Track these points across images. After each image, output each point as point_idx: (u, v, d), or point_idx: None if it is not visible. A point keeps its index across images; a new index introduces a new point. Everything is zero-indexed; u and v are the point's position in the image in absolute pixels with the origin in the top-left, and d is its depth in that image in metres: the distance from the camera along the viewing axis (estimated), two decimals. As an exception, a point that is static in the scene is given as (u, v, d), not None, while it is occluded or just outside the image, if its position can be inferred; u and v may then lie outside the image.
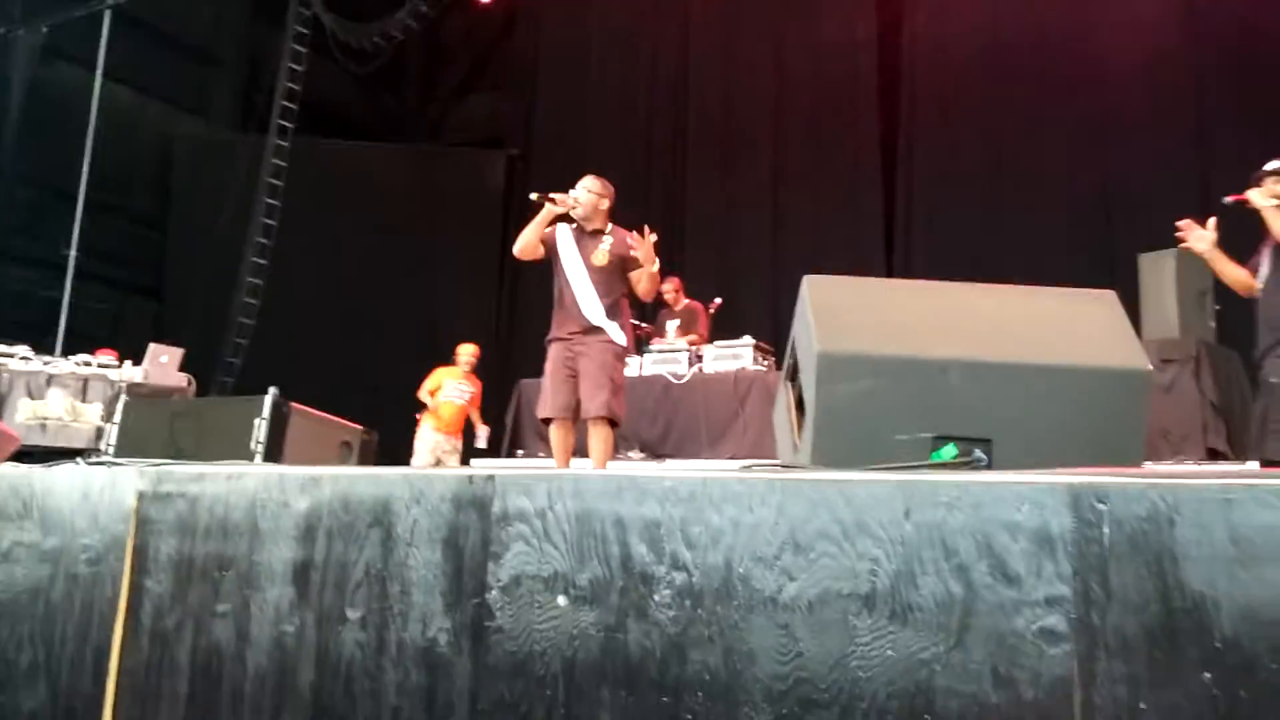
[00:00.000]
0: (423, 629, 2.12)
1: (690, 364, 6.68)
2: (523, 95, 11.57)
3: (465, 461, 7.20)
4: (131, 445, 2.89)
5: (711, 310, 7.35)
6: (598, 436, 4.44)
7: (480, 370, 10.58)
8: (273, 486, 2.35)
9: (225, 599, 2.34)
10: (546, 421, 4.57)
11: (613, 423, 4.50)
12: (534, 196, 4.66)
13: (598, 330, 4.47)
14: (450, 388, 7.34)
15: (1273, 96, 7.58)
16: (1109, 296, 2.36)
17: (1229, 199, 4.07)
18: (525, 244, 4.63)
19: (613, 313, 4.54)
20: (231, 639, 2.32)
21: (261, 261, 9.86)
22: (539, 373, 7.96)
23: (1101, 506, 1.61)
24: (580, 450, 4.73)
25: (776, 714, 1.79)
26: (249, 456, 2.89)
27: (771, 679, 1.80)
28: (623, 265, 4.58)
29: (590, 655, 1.94)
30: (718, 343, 6.89)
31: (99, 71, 9.31)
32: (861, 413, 2.10)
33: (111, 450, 2.90)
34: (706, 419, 6.48)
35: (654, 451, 6.57)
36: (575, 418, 4.51)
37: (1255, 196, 3.96)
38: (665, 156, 10.59)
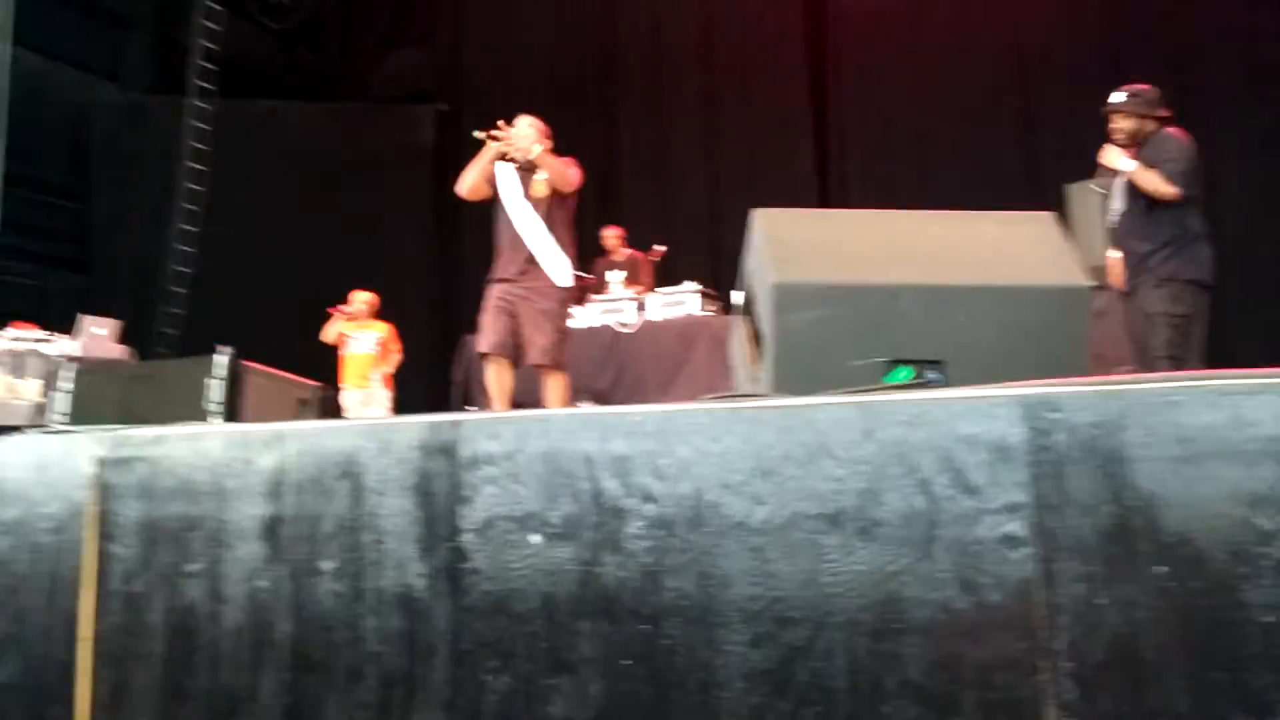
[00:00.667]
0: (398, 575, 2.15)
1: (637, 312, 6.72)
2: (449, 48, 11.36)
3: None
4: (85, 413, 2.83)
5: (653, 258, 7.37)
6: (552, 385, 4.48)
7: (420, 328, 10.52)
8: (236, 445, 2.34)
9: (195, 559, 2.34)
10: (484, 357, 4.59)
11: (558, 367, 4.55)
12: (477, 134, 4.67)
13: (538, 270, 4.50)
14: (350, 337, 7.26)
15: (1184, 26, 7.77)
16: (1046, 218, 2.44)
17: (1093, 184, 4.25)
18: (472, 184, 4.65)
19: (556, 245, 4.57)
20: (205, 598, 2.32)
21: (191, 228, 9.62)
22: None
23: (1054, 415, 1.68)
24: (529, 399, 4.77)
25: (752, 634, 1.85)
26: (205, 417, 2.86)
27: (746, 600, 1.86)
28: (559, 190, 4.63)
29: (568, 589, 1.98)
30: (662, 290, 6.93)
31: (8, 39, 8.93)
32: (817, 340, 2.15)
33: (67, 419, 2.85)
34: (656, 366, 6.53)
35: (604, 401, 6.61)
36: (514, 360, 4.54)
37: (1115, 160, 4.19)
38: (596, 104, 10.52)
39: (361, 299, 7.43)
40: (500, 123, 4.65)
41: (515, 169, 4.69)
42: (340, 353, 7.15)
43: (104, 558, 2.44)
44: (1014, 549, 1.68)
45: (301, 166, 10.51)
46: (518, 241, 4.56)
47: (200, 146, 9.69)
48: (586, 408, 6.39)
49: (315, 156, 10.67)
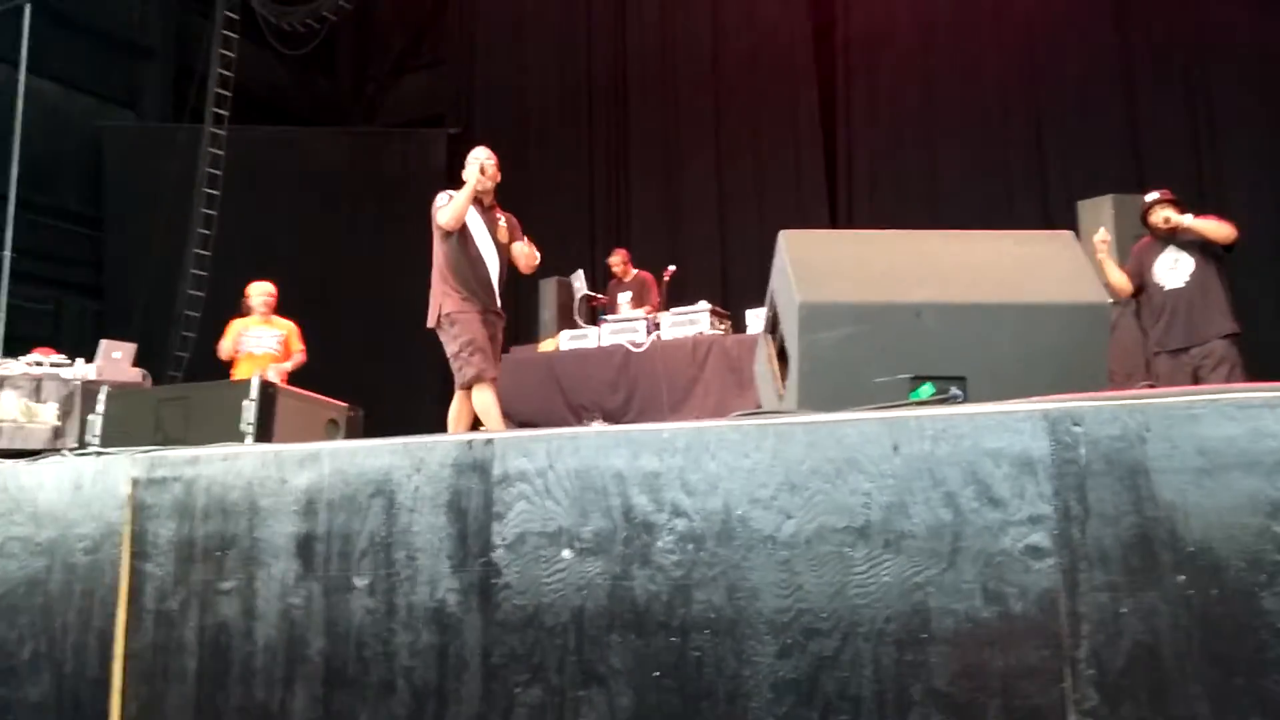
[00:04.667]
0: (431, 591, 2.19)
1: (648, 332, 6.76)
2: (460, 72, 11.49)
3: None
4: (117, 434, 2.88)
5: (666, 278, 7.43)
6: (483, 399, 4.69)
7: (432, 350, 10.57)
8: (270, 464, 2.39)
9: (229, 577, 2.39)
10: (492, 381, 4.74)
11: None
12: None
13: (499, 306, 4.76)
14: (247, 339, 6.57)
15: (1189, 39, 7.84)
16: (1067, 236, 2.49)
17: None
18: (456, 215, 4.72)
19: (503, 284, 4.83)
20: (238, 615, 2.36)
21: (204, 253, 9.73)
22: (494, 352, 8.00)
23: (1077, 429, 1.72)
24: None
25: (780, 645, 1.89)
26: (239, 438, 2.91)
27: (774, 612, 1.90)
28: (512, 239, 4.86)
29: (598, 603, 2.02)
30: (674, 309, 6.98)
31: (22, 67, 9.06)
32: (842, 358, 2.20)
33: (97, 441, 2.90)
34: (667, 385, 6.57)
35: (616, 420, 6.65)
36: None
37: (1180, 219, 4.96)
38: (607, 127, 10.62)
39: (262, 291, 6.75)
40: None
41: (479, 211, 4.84)
42: (236, 353, 6.48)
43: (138, 576, 2.49)
44: (1038, 560, 1.72)
45: (315, 190, 10.63)
46: (490, 277, 4.78)
47: (214, 172, 9.81)
48: (599, 426, 6.44)
49: (329, 180, 10.80)
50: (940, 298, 2.24)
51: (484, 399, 4.66)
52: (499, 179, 4.89)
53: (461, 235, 4.80)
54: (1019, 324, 2.24)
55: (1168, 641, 1.62)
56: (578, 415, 6.85)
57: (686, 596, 1.97)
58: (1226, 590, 1.59)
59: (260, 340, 6.58)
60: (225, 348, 6.57)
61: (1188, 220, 4.97)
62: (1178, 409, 1.66)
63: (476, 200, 4.80)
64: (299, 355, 6.72)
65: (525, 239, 4.95)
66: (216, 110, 9.88)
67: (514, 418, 6.97)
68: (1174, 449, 1.65)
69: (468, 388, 4.67)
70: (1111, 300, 2.33)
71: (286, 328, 6.76)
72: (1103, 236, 5.08)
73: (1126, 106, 8.09)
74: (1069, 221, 6.40)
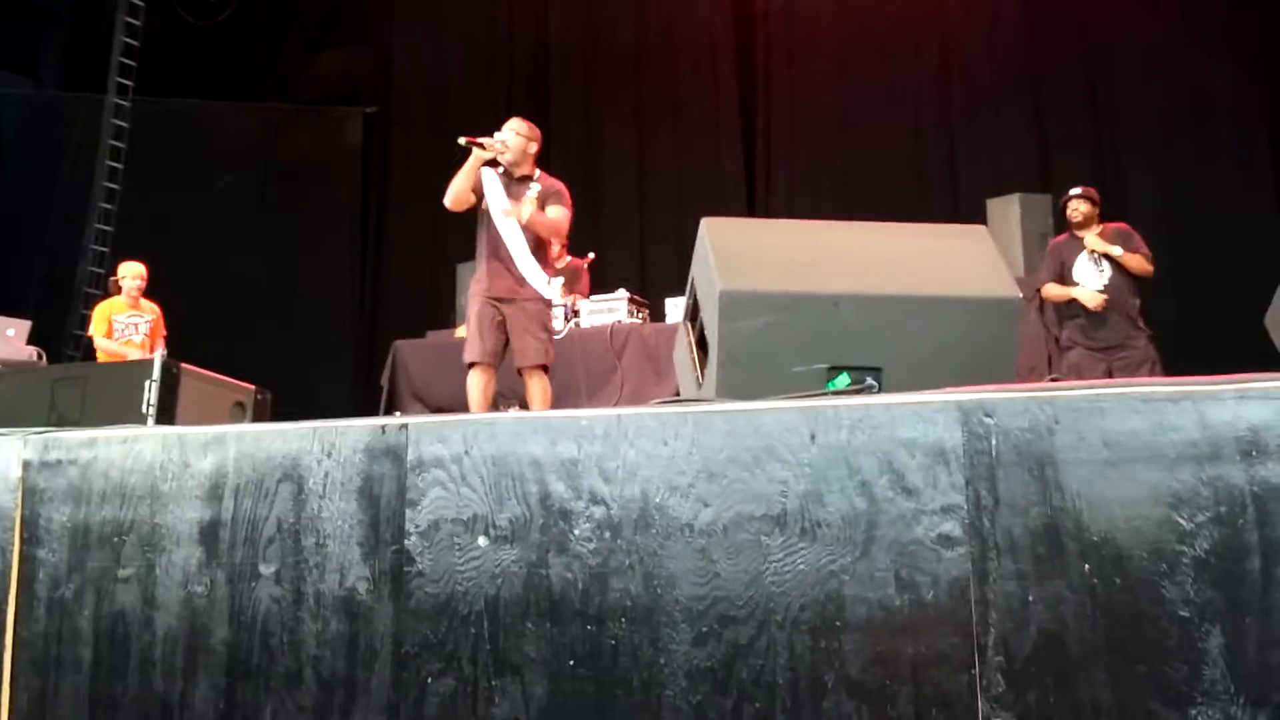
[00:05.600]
0: (340, 579, 2.14)
1: (566, 319, 6.72)
2: (378, 49, 11.25)
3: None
4: (8, 415, 2.75)
5: (586, 264, 7.40)
6: (537, 385, 4.48)
7: (345, 332, 10.38)
8: (172, 448, 2.30)
9: (127, 564, 2.29)
10: (470, 365, 4.56)
11: (545, 369, 4.57)
12: (462, 141, 4.52)
13: (525, 284, 4.46)
14: (120, 324, 6.19)
15: (1100, 38, 8.09)
16: (980, 231, 2.55)
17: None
18: (456, 193, 4.47)
19: (540, 261, 4.53)
20: (137, 603, 2.28)
21: (105, 228, 9.36)
22: (407, 333, 7.90)
23: (989, 420, 1.76)
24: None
25: (696, 633, 1.89)
26: (140, 420, 2.79)
27: (691, 600, 1.89)
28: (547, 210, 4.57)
29: (513, 591, 2.00)
30: (592, 297, 6.96)
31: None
32: (761, 347, 2.21)
33: (-17, 422, 2.77)
34: (585, 373, 6.55)
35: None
36: (497, 364, 4.57)
37: (1103, 246, 5.39)
38: (526, 111, 10.49)
39: (136, 274, 6.23)
40: (479, 140, 4.52)
41: (500, 176, 4.56)
42: (103, 340, 6.11)
43: (30, 563, 2.38)
44: (949, 549, 1.75)
45: (225, 167, 10.31)
46: (503, 252, 4.47)
47: (118, 144, 9.44)
48: (514, 413, 6.39)
49: (239, 157, 10.49)
50: (858, 289, 2.27)
51: (468, 381, 4.53)
52: (510, 149, 4.52)
53: (484, 213, 4.55)
54: (933, 316, 2.28)
55: (1073, 629, 1.66)
56: (494, 402, 6.78)
57: (603, 584, 1.95)
58: (1129, 579, 1.64)
59: (137, 328, 6.24)
60: (103, 333, 6.18)
61: (1116, 252, 5.32)
62: (1085, 402, 1.70)
63: (505, 173, 4.56)
64: (161, 339, 6.36)
65: (539, 220, 4.53)
66: (120, 80, 9.49)
67: (429, 403, 6.88)
68: (1081, 441, 1.69)
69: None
70: (1020, 295, 2.39)
71: (154, 311, 6.43)
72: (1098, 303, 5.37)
73: (1033, 106, 8.32)
74: (978, 218, 6.56)
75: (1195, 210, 7.42)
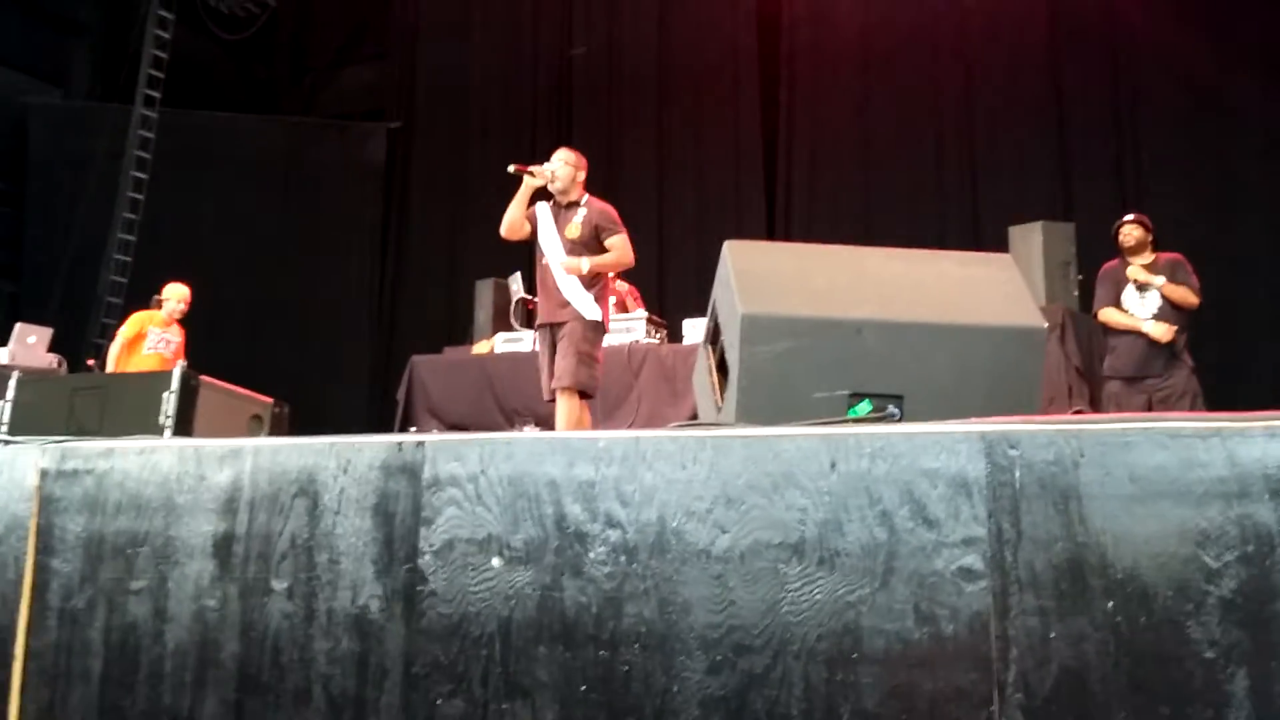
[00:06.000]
0: (353, 597, 2.12)
1: (583, 337, 6.71)
2: (402, 66, 11.33)
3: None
4: (28, 423, 2.75)
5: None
6: (562, 407, 4.52)
7: (364, 346, 10.41)
8: (189, 460, 2.30)
9: (140, 576, 2.29)
10: (551, 400, 4.67)
11: (584, 394, 4.59)
12: (511, 169, 4.67)
13: (568, 306, 4.54)
14: (154, 337, 6.39)
15: (1124, 63, 8.06)
16: (1005, 259, 2.52)
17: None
18: (510, 222, 4.67)
19: (589, 285, 4.59)
20: (149, 615, 2.27)
21: (129, 238, 9.44)
22: (427, 349, 7.92)
23: (1013, 452, 1.73)
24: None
25: (711, 661, 1.86)
26: (157, 432, 2.79)
27: (706, 628, 1.87)
28: (598, 236, 4.63)
29: (526, 614, 1.98)
30: (611, 316, 6.94)
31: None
32: (782, 372, 2.19)
33: (4, 429, 2.76)
34: (602, 392, 6.52)
35: (549, 425, 6.59)
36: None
37: (1148, 277, 5.34)
38: (549, 129, 10.55)
39: (181, 297, 6.55)
40: (530, 169, 4.63)
41: (550, 207, 4.71)
42: (125, 347, 6.28)
43: (44, 572, 2.38)
44: (970, 582, 1.72)
45: (249, 179, 10.40)
46: (549, 281, 4.60)
47: (144, 155, 9.53)
48: (532, 431, 6.38)
49: (263, 170, 10.57)
50: (881, 315, 2.24)
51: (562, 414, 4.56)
52: (559, 178, 4.67)
53: (536, 244, 4.70)
54: (957, 344, 2.25)
55: (1095, 667, 1.63)
56: (510, 420, 6.78)
57: (617, 609, 1.93)
58: (1154, 618, 1.61)
59: (167, 343, 6.40)
60: (124, 340, 6.35)
61: (1157, 283, 5.27)
62: (1111, 436, 1.67)
63: (555, 203, 4.67)
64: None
65: (601, 263, 4.65)
66: (148, 91, 9.61)
67: (445, 420, 6.89)
68: (1107, 475, 1.66)
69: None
70: (1045, 325, 2.37)
71: (181, 335, 6.62)
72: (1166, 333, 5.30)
73: (1056, 132, 8.30)
74: (999, 244, 6.52)
75: (1220, 241, 7.36)
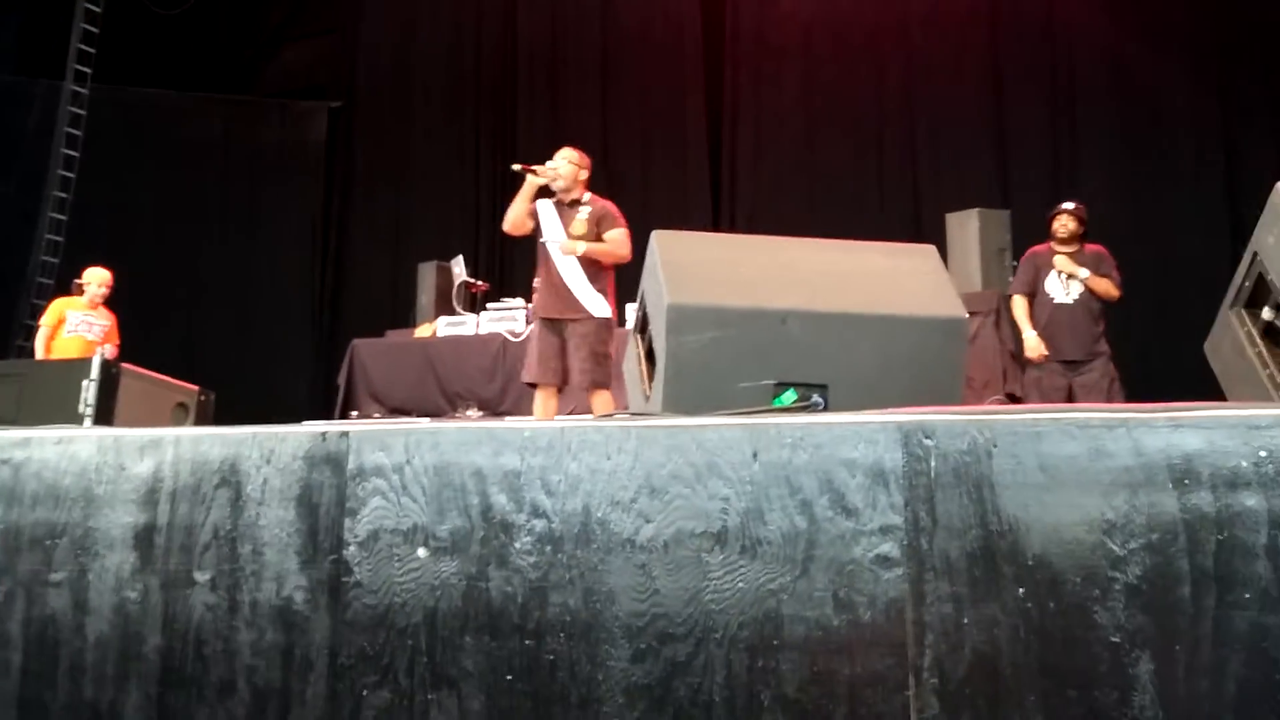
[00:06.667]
0: (277, 588, 2.10)
1: (527, 321, 6.70)
2: (344, 43, 11.16)
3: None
4: (-58, 412, 2.69)
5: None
6: (598, 403, 4.61)
7: (304, 329, 10.27)
8: (108, 450, 2.26)
9: (59, 568, 2.24)
10: (531, 386, 4.71)
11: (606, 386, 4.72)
12: (516, 168, 4.75)
13: (577, 303, 4.59)
14: (75, 319, 6.27)
15: (1061, 57, 8.20)
16: (929, 250, 2.56)
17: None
18: (514, 219, 4.75)
19: (595, 281, 4.66)
20: (68, 608, 2.23)
21: (60, 217, 9.20)
22: (368, 331, 7.85)
23: (929, 442, 1.76)
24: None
25: (634, 649, 1.88)
26: (77, 420, 2.73)
27: (630, 616, 1.88)
28: (600, 232, 4.70)
29: (452, 604, 1.98)
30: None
31: None
32: (708, 362, 2.20)
33: (-84, 418, 2.70)
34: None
35: (492, 409, 6.59)
36: (561, 385, 4.70)
37: (1073, 268, 5.53)
38: (494, 112, 10.47)
39: (102, 281, 6.41)
40: (534, 167, 4.68)
41: (554, 204, 4.75)
42: (49, 335, 6.15)
43: (-42, 565, 2.32)
44: (887, 569, 1.75)
45: (186, 158, 10.19)
46: (556, 277, 4.64)
47: (75, 132, 9.28)
48: (475, 416, 6.36)
49: (200, 149, 10.36)
50: (806, 305, 2.27)
51: (535, 402, 4.67)
52: (562, 177, 4.77)
53: (540, 240, 4.76)
54: (880, 334, 2.29)
55: (1006, 652, 1.67)
56: (453, 403, 6.76)
57: (543, 599, 1.94)
58: (1062, 604, 1.65)
59: (91, 328, 6.23)
60: (47, 327, 6.23)
61: (1082, 275, 5.47)
62: (1023, 426, 1.70)
63: (557, 201, 4.71)
64: (113, 348, 6.37)
65: (598, 250, 4.73)
66: (78, 67, 9.35)
67: (386, 404, 6.84)
68: (1018, 465, 1.70)
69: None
70: (967, 315, 2.41)
71: (111, 319, 6.49)
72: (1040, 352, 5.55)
73: (996, 123, 8.43)
74: (940, 231, 6.62)
75: (1150, 231, 7.53)
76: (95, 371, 2.83)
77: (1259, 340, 2.40)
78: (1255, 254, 2.34)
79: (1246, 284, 2.42)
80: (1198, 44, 7.76)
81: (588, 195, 4.90)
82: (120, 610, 2.20)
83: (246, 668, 2.10)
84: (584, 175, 4.89)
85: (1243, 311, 2.49)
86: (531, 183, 4.73)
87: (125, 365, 2.99)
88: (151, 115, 10.27)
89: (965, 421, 1.75)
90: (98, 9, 9.39)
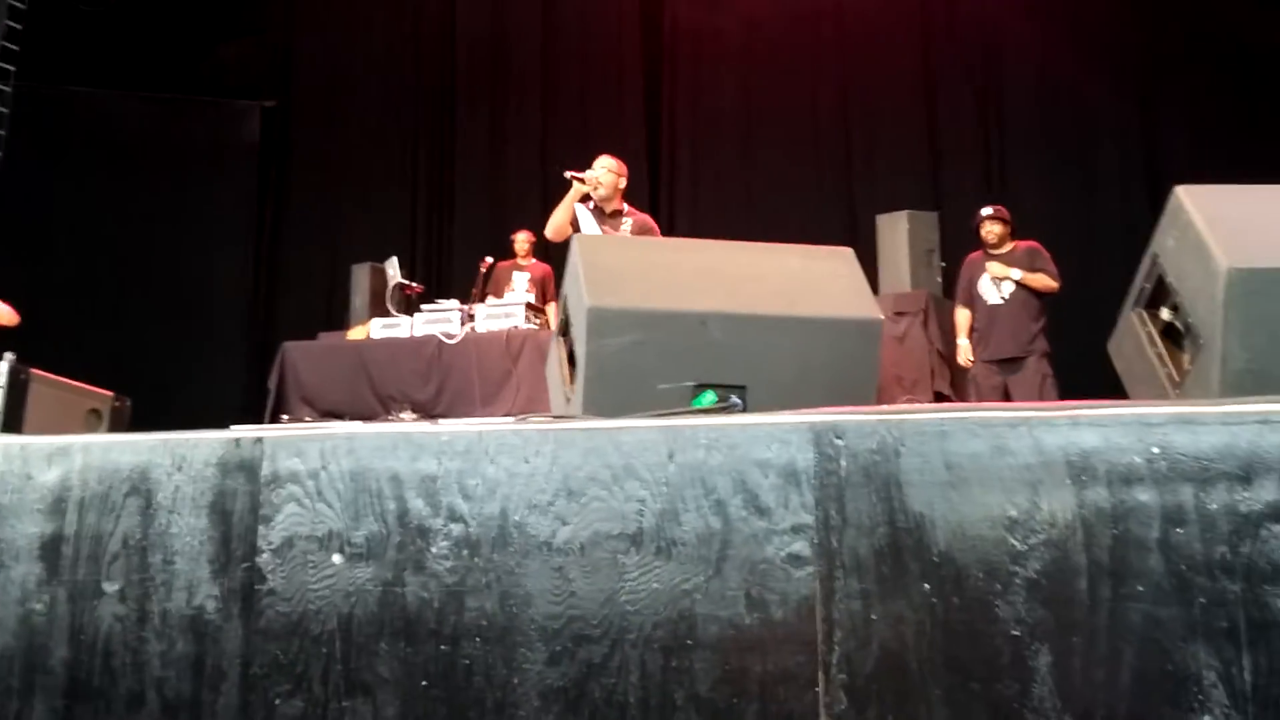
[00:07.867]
0: (188, 597, 2.07)
1: (462, 323, 6.67)
2: (279, 41, 10.99)
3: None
4: None
5: (483, 269, 7.35)
6: None
7: (237, 332, 10.09)
8: (14, 458, 2.20)
9: (-38, 580, 2.18)
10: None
11: None
12: (567, 175, 4.72)
13: None
14: None
15: (990, 62, 8.37)
16: (847, 253, 2.60)
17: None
18: (557, 225, 4.73)
19: None
20: (-29, 622, 2.17)
21: (-19, 218, 8.93)
22: (303, 334, 7.73)
23: (839, 442, 1.79)
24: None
25: (550, 652, 1.88)
26: (-14, 428, 2.66)
27: (546, 619, 1.88)
28: None
29: (367, 610, 1.96)
30: (489, 301, 6.91)
31: None
32: (628, 364, 2.21)
33: None
34: (480, 378, 6.50)
35: (426, 412, 6.53)
36: None
37: (1006, 271, 5.69)
38: (431, 114, 10.39)
39: None
40: (580, 175, 4.66)
41: (592, 211, 4.73)
42: None
43: None
44: (798, 568, 1.77)
45: (115, 158, 9.95)
46: None
47: (-3, 131, 9.02)
48: (408, 419, 6.30)
49: (130, 148, 10.12)
50: (725, 308, 2.29)
51: None
52: (603, 185, 4.75)
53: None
54: (798, 336, 2.32)
55: (913, 647, 1.70)
56: (386, 406, 6.68)
57: (459, 604, 1.93)
58: (966, 599, 1.68)
59: None
60: None
61: (1015, 276, 5.62)
62: (930, 425, 1.74)
63: (597, 209, 4.69)
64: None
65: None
66: (2, 64, 9.08)
67: (318, 407, 6.75)
68: (925, 463, 1.73)
69: None
70: (881, 317, 2.45)
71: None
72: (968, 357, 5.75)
73: (927, 126, 8.58)
74: (873, 233, 6.72)
75: (1079, 227, 7.72)
76: (3, 378, 2.76)
77: (1158, 340, 2.45)
78: (1155, 256, 2.40)
79: (1147, 286, 2.48)
80: (1121, 51, 7.97)
81: (626, 207, 4.93)
82: (25, 622, 2.14)
83: (156, 679, 2.06)
84: (622, 184, 4.91)
85: (1143, 312, 2.55)
86: (576, 189, 4.75)
87: (35, 371, 2.91)
88: (78, 113, 10.03)
89: (875, 421, 1.78)
90: (21, 5, 9.14)
